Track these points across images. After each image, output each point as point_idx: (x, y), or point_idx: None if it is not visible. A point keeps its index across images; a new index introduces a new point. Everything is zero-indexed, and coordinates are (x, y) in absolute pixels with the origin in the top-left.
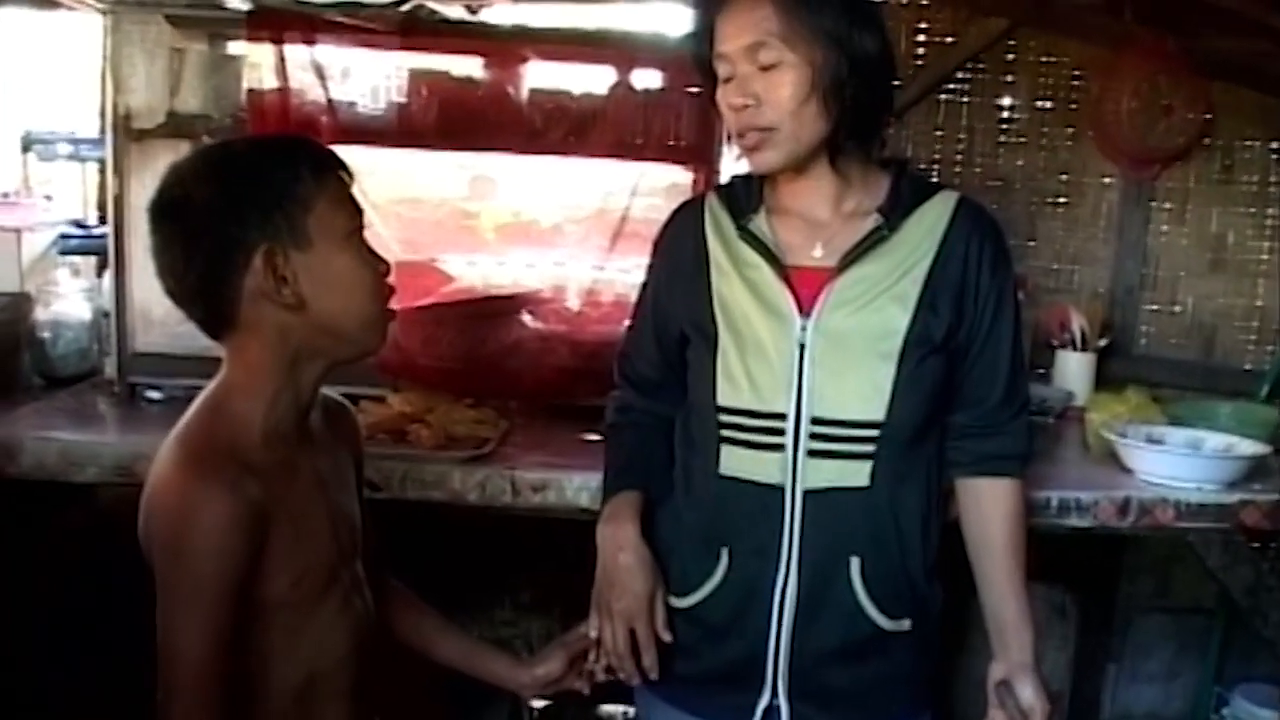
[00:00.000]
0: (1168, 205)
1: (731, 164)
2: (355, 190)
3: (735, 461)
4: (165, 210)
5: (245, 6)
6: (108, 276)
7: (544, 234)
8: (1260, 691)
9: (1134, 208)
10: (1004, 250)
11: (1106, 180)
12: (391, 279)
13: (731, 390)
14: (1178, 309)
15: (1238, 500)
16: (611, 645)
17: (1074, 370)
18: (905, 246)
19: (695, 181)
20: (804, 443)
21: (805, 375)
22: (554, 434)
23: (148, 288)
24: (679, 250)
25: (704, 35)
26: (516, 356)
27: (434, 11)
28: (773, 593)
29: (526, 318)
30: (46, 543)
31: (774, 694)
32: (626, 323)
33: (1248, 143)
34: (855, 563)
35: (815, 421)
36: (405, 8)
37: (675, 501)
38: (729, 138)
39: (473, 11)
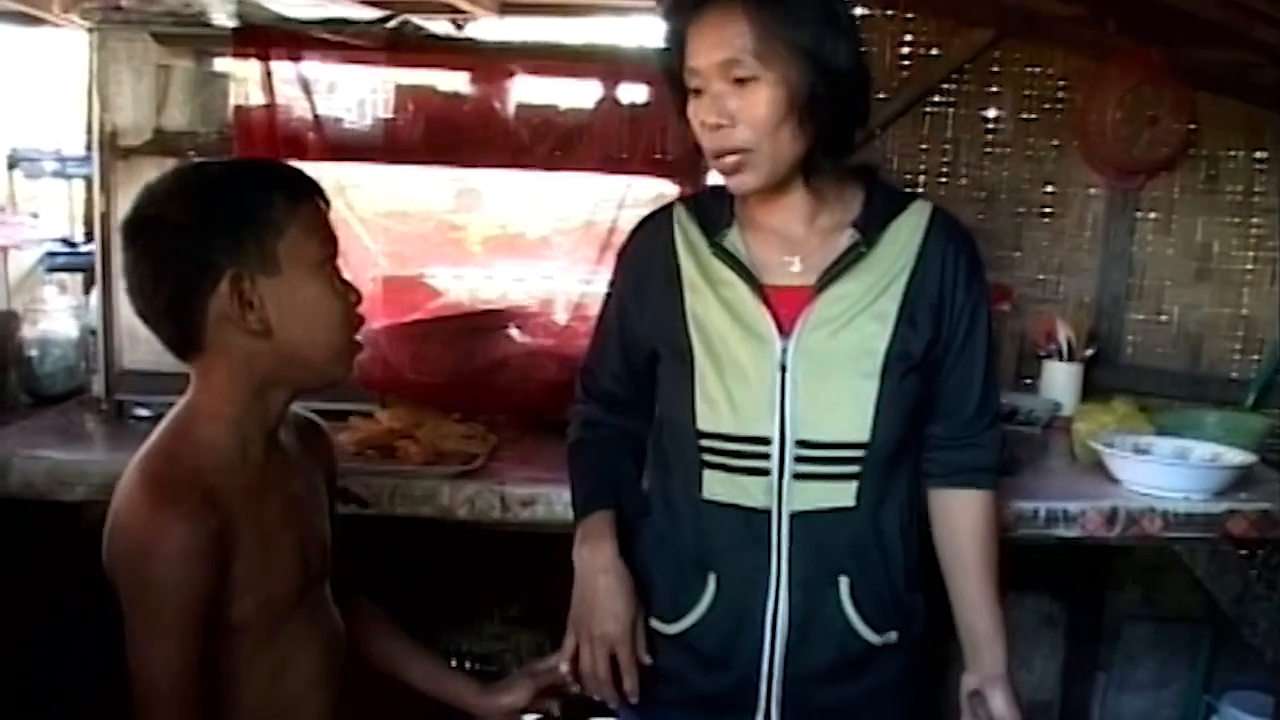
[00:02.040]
0: (1153, 215)
1: (716, 176)
2: (341, 204)
3: (719, 486)
4: (136, 229)
5: (231, 23)
6: (95, 294)
7: (531, 246)
8: (1249, 699)
9: (1119, 218)
10: (978, 261)
11: (1092, 191)
12: (362, 309)
13: (712, 414)
14: (1164, 318)
15: (1225, 510)
16: (591, 669)
17: (1060, 380)
18: (883, 262)
19: (682, 194)
20: (789, 466)
21: (787, 397)
22: (542, 448)
23: None
24: (647, 265)
25: (675, 46)
26: (504, 371)
27: (419, 27)
28: (763, 617)
29: (514, 332)
30: (37, 562)
31: (766, 718)
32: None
33: (1232, 152)
34: (844, 582)
35: (800, 444)
36: (391, 24)
37: (654, 523)
38: (698, 151)
39: (459, 27)
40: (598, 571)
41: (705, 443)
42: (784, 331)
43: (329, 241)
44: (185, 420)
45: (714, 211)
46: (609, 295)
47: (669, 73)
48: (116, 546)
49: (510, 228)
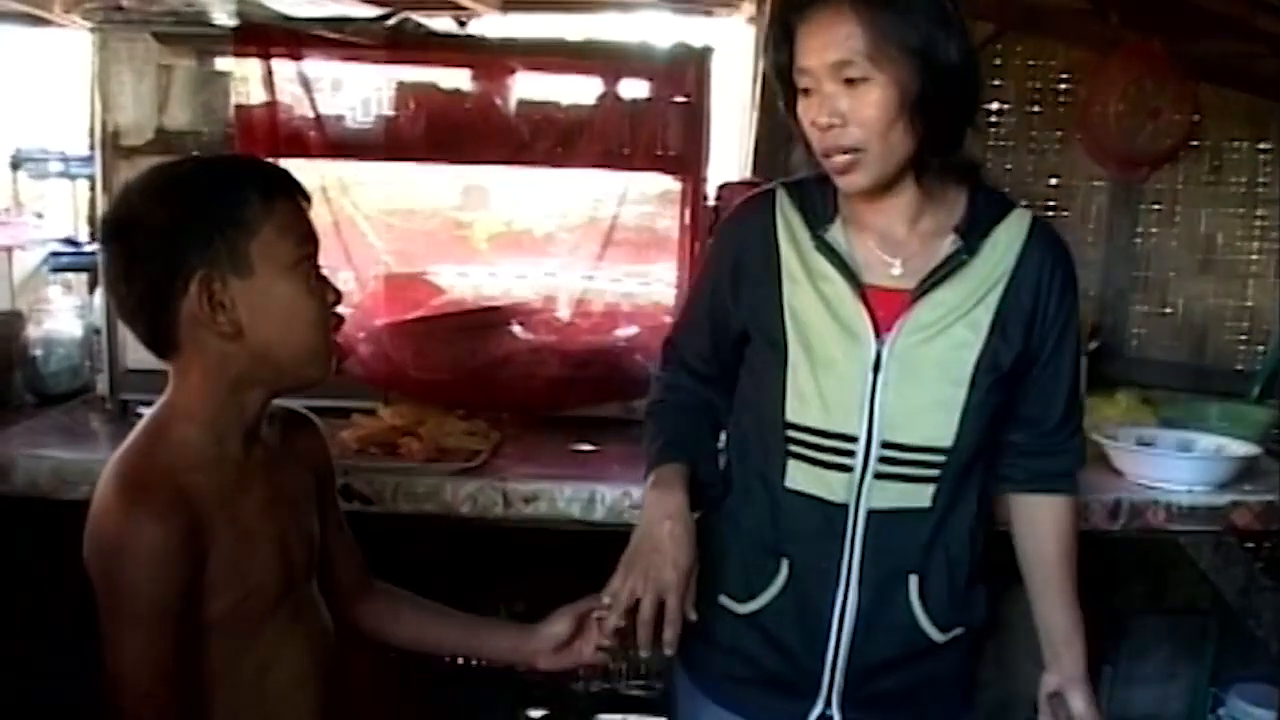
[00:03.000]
0: (1157, 207)
1: (717, 172)
2: (347, 202)
3: (801, 477)
4: (111, 228)
5: (232, 23)
6: (99, 294)
7: (536, 243)
8: (1256, 691)
9: (1123, 210)
10: (1073, 274)
11: (1096, 183)
12: (366, 307)
13: (801, 407)
14: (1168, 310)
15: (1228, 502)
16: (639, 612)
17: None
18: (981, 271)
19: (684, 190)
20: (872, 465)
21: (877, 398)
22: (545, 445)
23: None
24: (746, 249)
25: (784, 45)
26: (507, 368)
27: (420, 25)
28: (832, 608)
29: (517, 329)
30: (41, 561)
31: (827, 704)
32: (659, 321)
33: (1235, 144)
34: (914, 581)
35: (885, 445)
36: (391, 22)
37: (729, 504)
38: (808, 149)
39: (461, 24)
40: (664, 518)
41: (792, 434)
42: (879, 333)
43: (306, 241)
44: (161, 419)
45: (817, 203)
46: (703, 272)
47: (778, 70)
48: (91, 545)
49: (516, 224)
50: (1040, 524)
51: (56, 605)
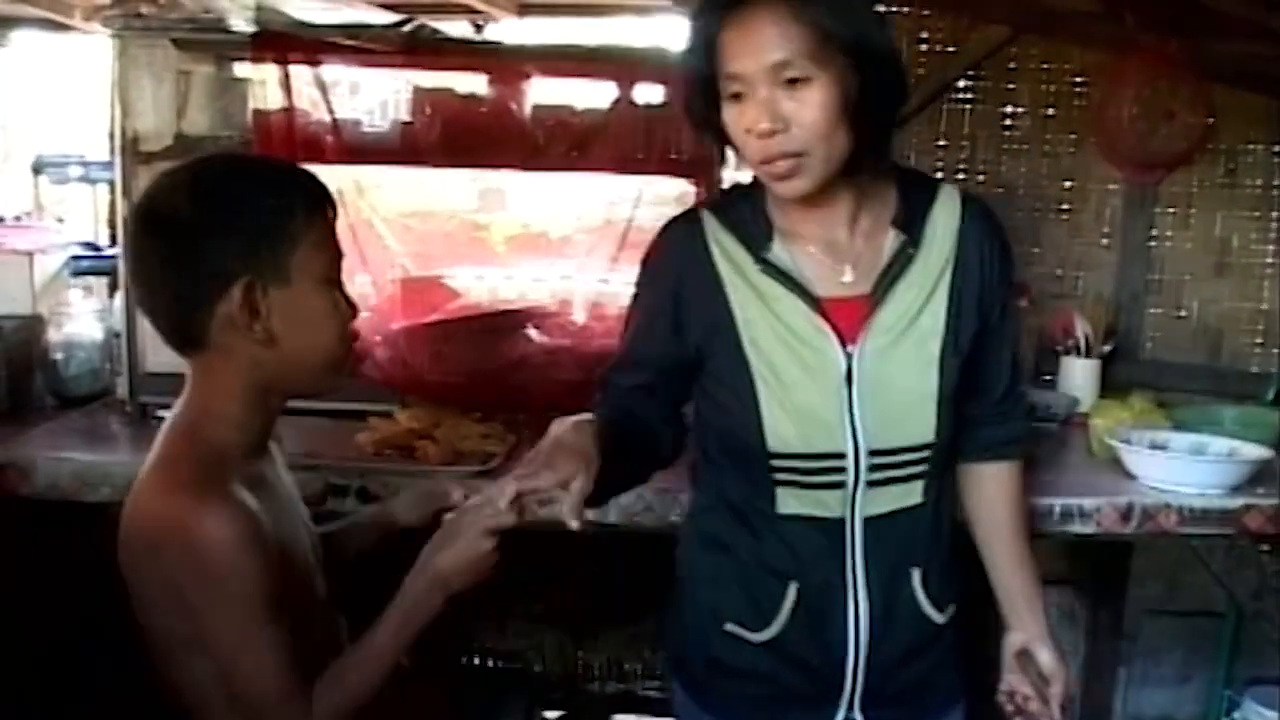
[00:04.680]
0: (1171, 210)
1: (731, 175)
2: (364, 205)
3: (794, 500)
4: (149, 222)
5: (250, 29)
6: (119, 297)
7: (552, 245)
8: (1271, 694)
9: (1138, 213)
10: (1007, 243)
11: (1110, 186)
12: (383, 310)
13: (781, 437)
14: (1183, 313)
15: (1241, 504)
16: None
17: (1079, 376)
18: (929, 260)
19: (698, 193)
20: (864, 475)
21: (856, 410)
22: None
23: None
24: (687, 283)
25: (706, 51)
26: (523, 371)
27: (436, 31)
28: (845, 618)
29: (532, 332)
30: (61, 562)
31: (850, 708)
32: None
33: (1251, 146)
34: (916, 574)
35: (874, 454)
36: (407, 28)
37: (721, 533)
38: (728, 155)
39: (479, 29)
40: (559, 428)
41: (777, 464)
42: (845, 345)
43: (337, 255)
44: (191, 423)
45: (750, 222)
46: (636, 311)
47: (698, 78)
48: (171, 565)
49: (532, 227)
50: (994, 492)
51: (71, 607)
